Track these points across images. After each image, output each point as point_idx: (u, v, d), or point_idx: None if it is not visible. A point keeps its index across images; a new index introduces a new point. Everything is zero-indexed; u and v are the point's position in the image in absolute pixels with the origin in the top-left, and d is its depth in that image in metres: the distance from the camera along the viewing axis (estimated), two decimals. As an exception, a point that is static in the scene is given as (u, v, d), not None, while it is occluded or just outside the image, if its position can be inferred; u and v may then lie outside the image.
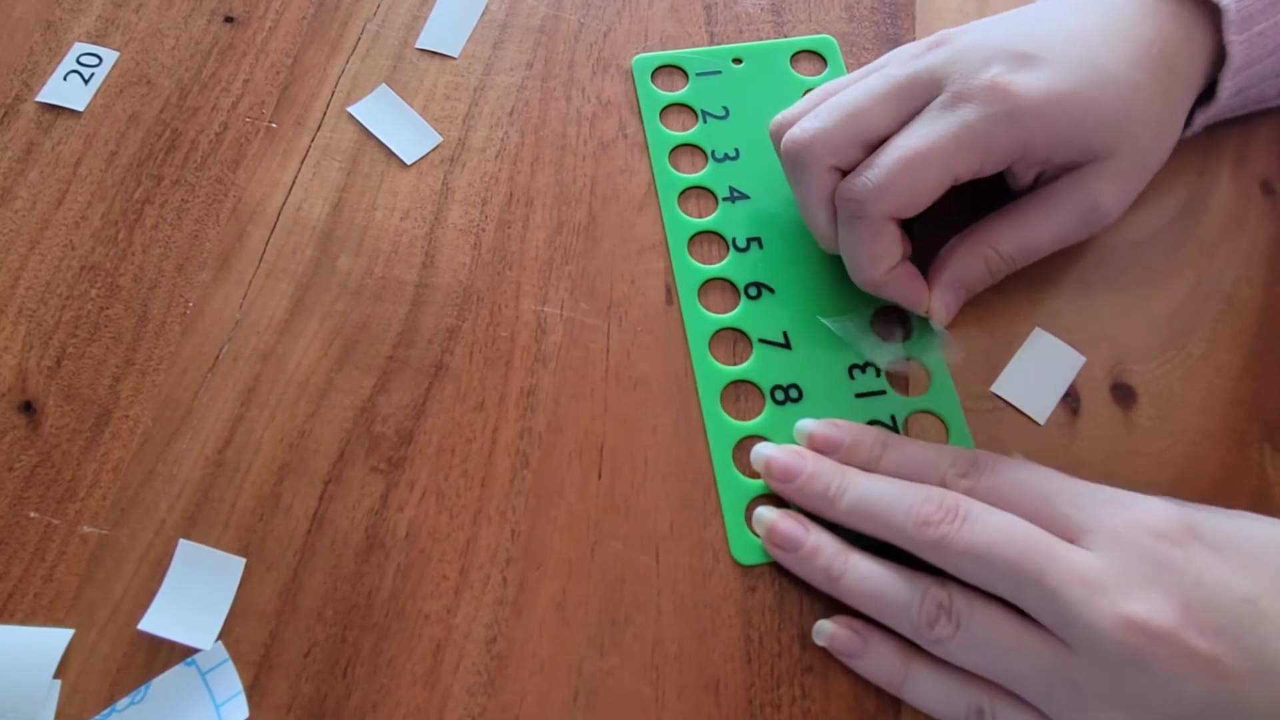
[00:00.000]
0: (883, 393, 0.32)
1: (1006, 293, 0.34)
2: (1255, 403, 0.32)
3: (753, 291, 0.34)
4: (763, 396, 0.32)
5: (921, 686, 0.27)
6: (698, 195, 0.37)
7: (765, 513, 0.30)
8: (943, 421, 0.32)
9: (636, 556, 0.30)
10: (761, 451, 0.31)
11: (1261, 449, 0.31)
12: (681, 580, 0.30)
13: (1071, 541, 0.25)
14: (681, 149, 0.37)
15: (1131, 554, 0.24)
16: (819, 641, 0.28)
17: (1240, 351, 0.33)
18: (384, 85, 0.39)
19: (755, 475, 0.31)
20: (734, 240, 0.35)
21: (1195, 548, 0.24)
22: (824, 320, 0.33)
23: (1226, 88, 0.33)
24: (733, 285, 0.34)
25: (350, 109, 0.38)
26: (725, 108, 0.38)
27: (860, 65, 0.36)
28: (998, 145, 0.30)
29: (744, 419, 0.32)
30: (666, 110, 0.38)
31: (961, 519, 0.26)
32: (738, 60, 0.39)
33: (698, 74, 0.39)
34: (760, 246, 0.35)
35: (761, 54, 0.39)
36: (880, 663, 0.27)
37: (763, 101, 0.38)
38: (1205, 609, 0.23)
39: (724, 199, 0.36)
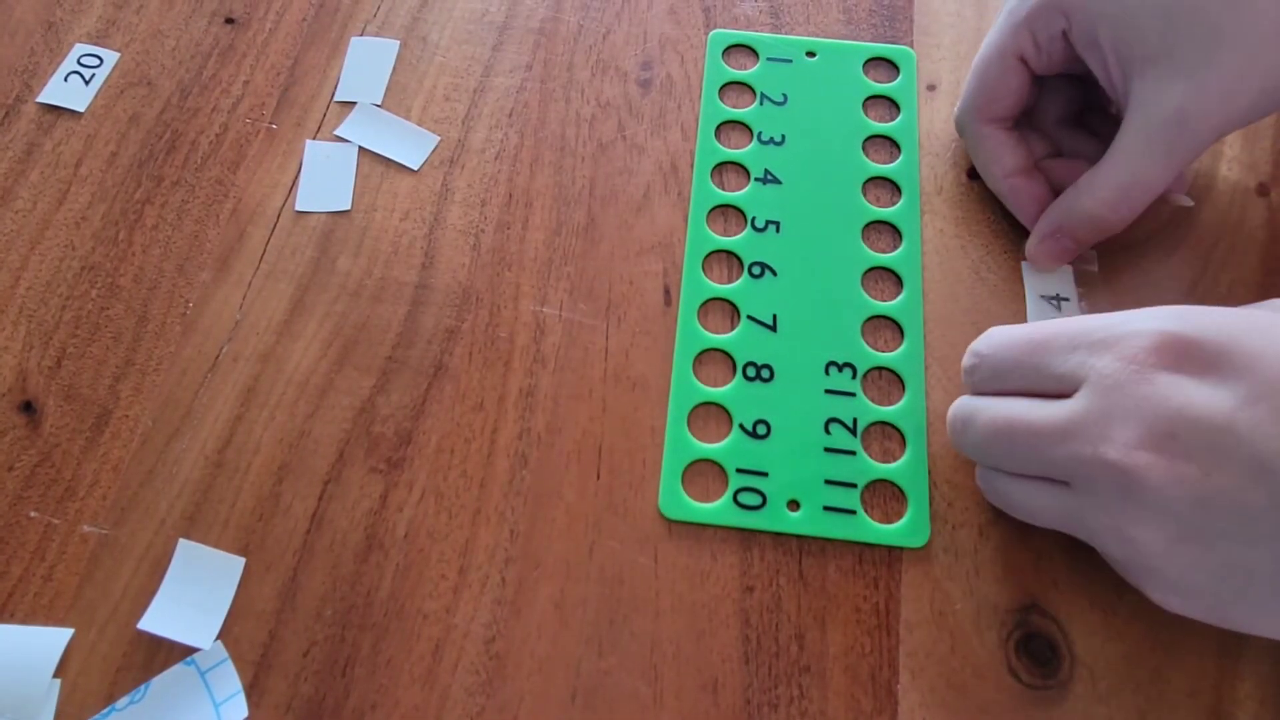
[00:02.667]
0: (852, 395, 0.32)
1: (1003, 294, 0.34)
2: (1251, 404, 0.32)
3: (756, 270, 0.35)
4: (735, 369, 0.33)
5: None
6: (733, 170, 0.37)
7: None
8: (903, 435, 0.32)
9: (635, 556, 0.30)
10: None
11: (1257, 450, 0.31)
12: (679, 580, 0.30)
13: (1067, 394, 0.25)
14: (730, 125, 0.38)
15: (1111, 392, 0.24)
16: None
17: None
18: (364, 102, 0.39)
19: (703, 439, 0.32)
20: (754, 219, 0.36)
21: (1177, 368, 0.23)
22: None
23: None
24: (739, 260, 0.35)
25: (338, 130, 0.38)
26: (785, 95, 0.39)
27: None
28: (1038, 14, 0.30)
29: (710, 385, 0.33)
30: (727, 86, 0.39)
31: (960, 423, 0.28)
32: (811, 53, 0.40)
33: (769, 58, 0.39)
34: (777, 231, 0.36)
35: (836, 52, 0.40)
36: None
37: (824, 96, 0.38)
38: (1182, 432, 0.23)
39: (757, 179, 0.37)
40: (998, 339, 0.28)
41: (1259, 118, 0.29)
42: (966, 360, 0.29)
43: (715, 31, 0.40)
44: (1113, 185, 0.30)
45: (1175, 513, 0.23)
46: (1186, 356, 0.23)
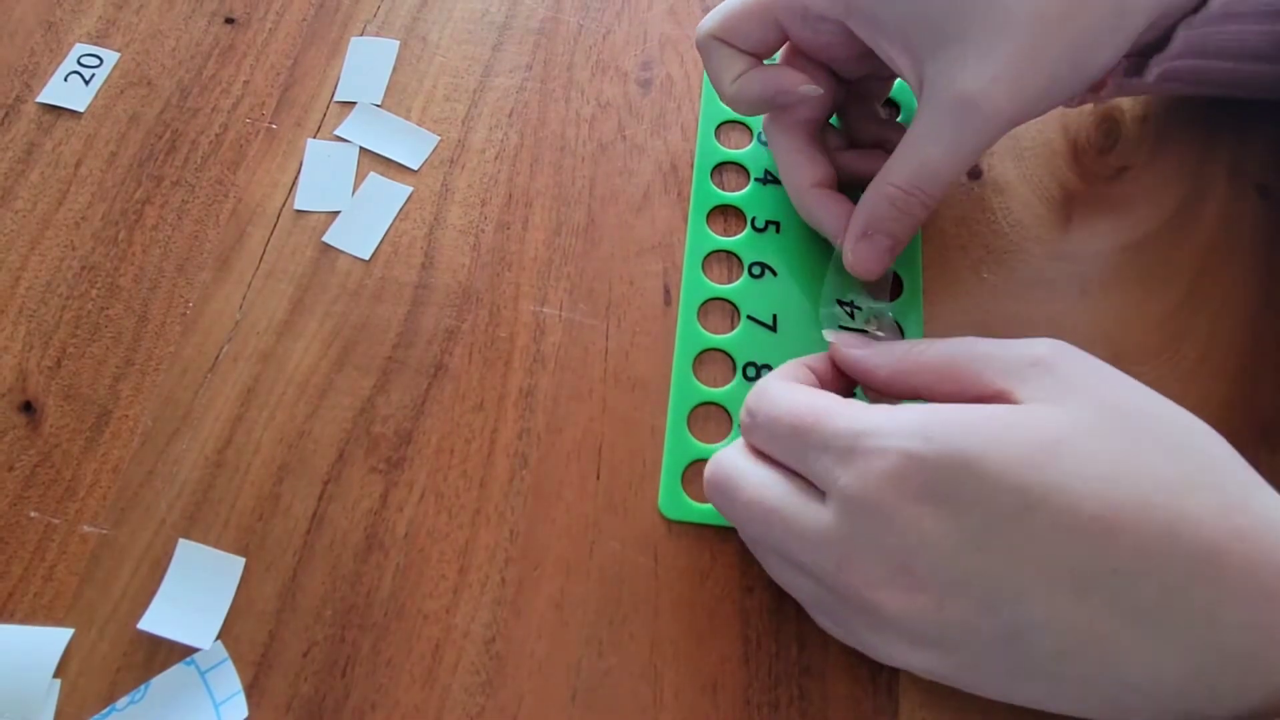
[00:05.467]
0: (853, 395, 0.32)
1: (1003, 294, 0.34)
2: (1251, 405, 0.32)
3: (756, 270, 0.35)
4: (735, 369, 0.33)
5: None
6: (733, 171, 0.37)
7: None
8: None
9: (635, 557, 0.30)
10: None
11: (1257, 451, 0.31)
12: (679, 581, 0.30)
13: (823, 492, 0.25)
14: (730, 125, 0.38)
15: (854, 516, 0.23)
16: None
17: (1236, 354, 0.33)
18: (364, 102, 0.39)
19: (703, 439, 0.32)
20: (754, 219, 0.36)
21: (915, 498, 0.23)
22: (823, 310, 0.33)
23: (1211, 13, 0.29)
24: (739, 260, 0.35)
25: (338, 130, 0.38)
26: None
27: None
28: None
29: (711, 385, 0.33)
30: None
31: (722, 492, 0.27)
32: None
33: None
34: (778, 231, 0.36)
35: None
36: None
37: None
38: (918, 567, 0.23)
39: (757, 179, 0.37)
40: (769, 408, 0.26)
41: (1050, 107, 0.29)
42: (743, 416, 0.28)
43: None
44: (906, 171, 0.29)
45: (915, 631, 0.24)
46: (924, 484, 0.23)
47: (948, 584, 0.23)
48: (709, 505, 0.30)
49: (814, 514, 0.25)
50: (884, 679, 0.28)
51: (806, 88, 0.32)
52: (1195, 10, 0.30)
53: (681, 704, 0.28)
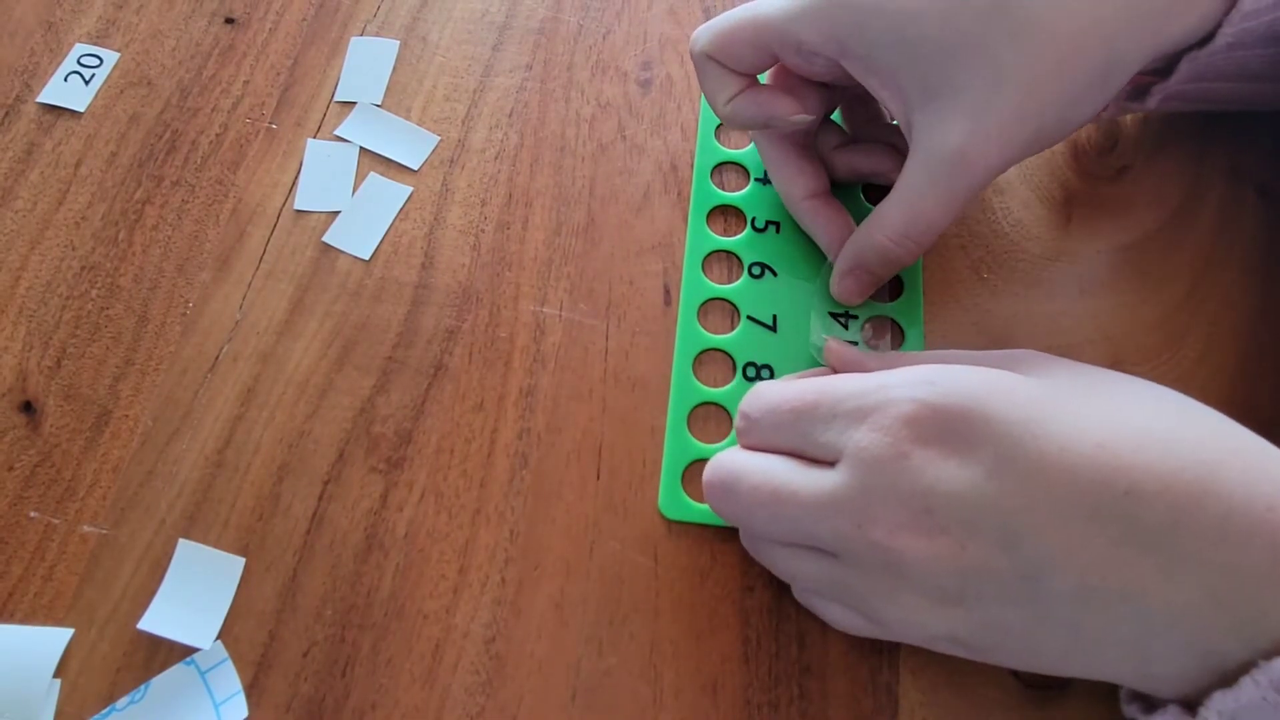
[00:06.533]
0: None
1: (1003, 294, 0.34)
2: (1251, 405, 0.32)
3: (756, 270, 0.35)
4: (735, 369, 0.33)
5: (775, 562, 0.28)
6: (733, 171, 0.37)
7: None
8: None
9: (635, 557, 0.30)
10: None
11: (1257, 450, 0.31)
12: (679, 580, 0.30)
13: (830, 461, 0.25)
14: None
15: (870, 468, 0.24)
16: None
17: (1236, 354, 0.33)
18: (364, 102, 0.39)
19: (703, 439, 0.32)
20: (754, 219, 0.36)
21: (928, 442, 0.24)
22: (812, 319, 0.33)
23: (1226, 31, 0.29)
24: (739, 261, 0.35)
25: (338, 130, 0.38)
26: None
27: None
28: (810, 30, 0.29)
29: (711, 386, 0.33)
30: None
31: (724, 487, 0.27)
32: None
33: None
34: (778, 231, 0.36)
35: None
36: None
37: None
38: (937, 508, 0.23)
39: (757, 179, 0.37)
40: (766, 400, 0.27)
41: (1033, 154, 0.30)
42: (739, 421, 0.28)
43: None
44: (898, 221, 0.30)
45: (937, 583, 0.24)
46: (936, 429, 0.23)
47: (967, 523, 0.23)
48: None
49: (825, 479, 0.25)
50: (884, 678, 0.28)
51: (799, 117, 0.32)
52: (1200, 44, 0.30)
53: (681, 704, 0.28)
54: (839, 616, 0.27)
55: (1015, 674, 0.28)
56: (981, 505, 0.23)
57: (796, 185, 0.34)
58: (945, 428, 0.23)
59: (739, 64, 0.32)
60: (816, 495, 0.25)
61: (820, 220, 0.34)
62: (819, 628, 0.29)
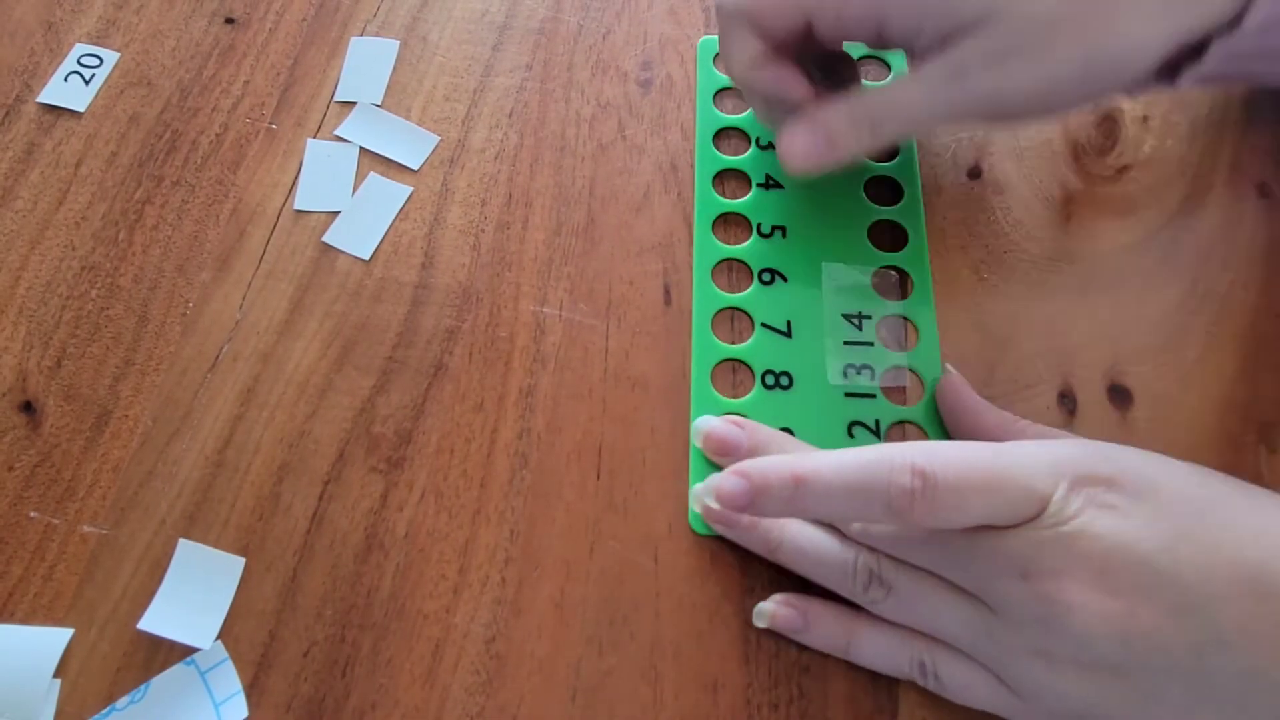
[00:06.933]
0: (873, 396, 0.32)
1: (1003, 294, 0.34)
2: (1251, 405, 0.32)
3: (766, 277, 0.35)
4: (754, 378, 0.33)
5: (865, 647, 0.28)
6: (734, 177, 0.37)
7: (702, 489, 0.29)
8: (925, 434, 0.32)
9: (635, 557, 0.30)
10: (701, 426, 0.31)
11: (1257, 450, 0.31)
12: (680, 581, 0.30)
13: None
14: (728, 131, 0.38)
15: (1056, 535, 0.24)
16: (759, 624, 0.29)
17: (1236, 354, 0.33)
18: (364, 102, 0.39)
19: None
20: (759, 225, 0.36)
21: (1119, 509, 0.24)
22: (830, 380, 0.33)
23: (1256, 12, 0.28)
24: (748, 268, 0.35)
25: (338, 130, 0.38)
26: None
27: (871, 72, 0.36)
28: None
29: (730, 396, 0.32)
30: (721, 93, 0.39)
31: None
32: None
33: None
34: (784, 236, 0.35)
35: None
36: (824, 633, 0.28)
37: None
38: (1117, 568, 0.23)
39: (759, 184, 0.37)
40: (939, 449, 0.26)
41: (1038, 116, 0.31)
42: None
43: (704, 38, 0.40)
44: (887, 99, 0.30)
45: (1097, 647, 0.23)
46: (1117, 494, 0.24)
47: (1143, 589, 0.23)
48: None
49: (1001, 538, 0.25)
50: (884, 678, 0.28)
51: (805, 100, 0.32)
52: (1229, 26, 0.29)
53: (682, 704, 0.28)
54: (962, 677, 0.26)
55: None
56: (1160, 571, 0.23)
57: (740, 58, 0.32)
58: (1128, 493, 0.24)
59: (771, 24, 0.31)
60: (985, 535, 0.24)
61: (778, 78, 0.32)
62: (819, 628, 0.29)
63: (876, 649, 0.28)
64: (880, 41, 0.31)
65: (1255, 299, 0.34)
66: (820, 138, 0.31)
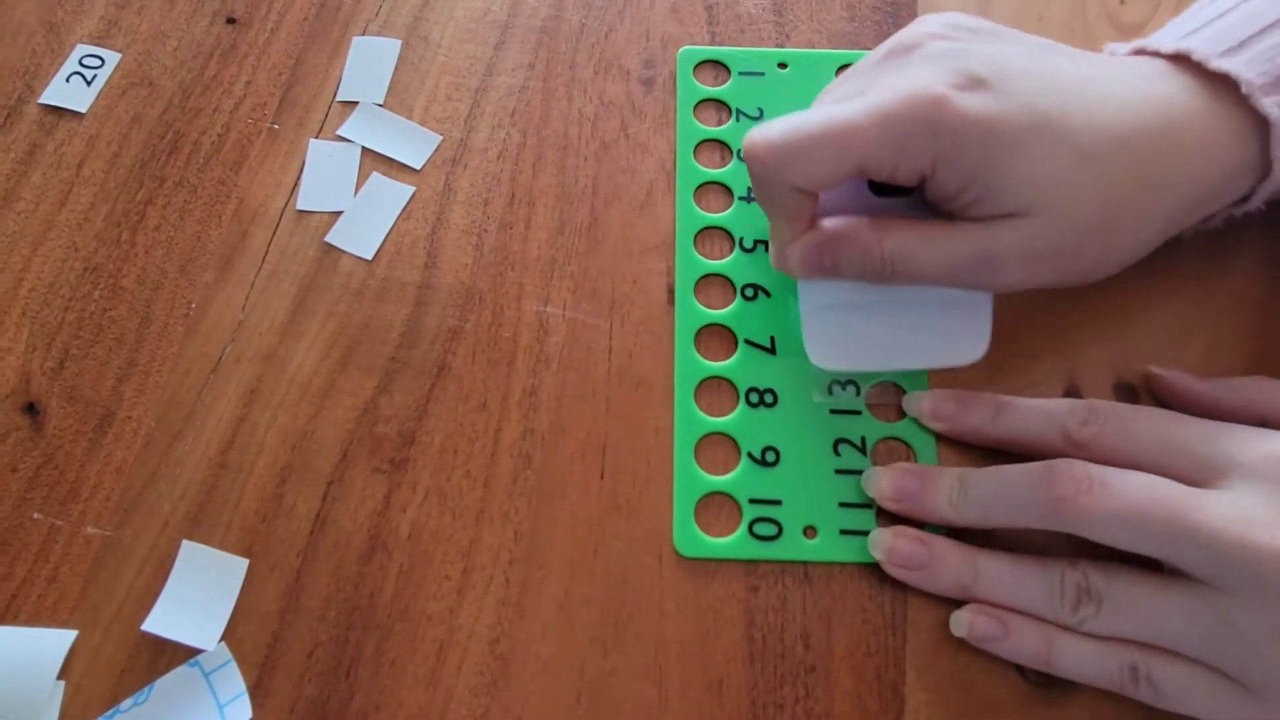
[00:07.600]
0: (858, 412, 0.32)
1: (1002, 298, 0.34)
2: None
3: (749, 292, 0.34)
4: (737, 396, 0.32)
5: (1067, 655, 0.27)
6: (715, 190, 0.37)
7: (881, 536, 0.29)
8: (912, 450, 0.32)
9: (639, 557, 0.30)
10: (872, 476, 0.30)
11: (1264, 448, 0.31)
12: (684, 581, 0.30)
13: (1207, 483, 0.25)
14: (708, 143, 0.38)
15: (1274, 485, 0.23)
16: (957, 632, 0.28)
17: (1242, 350, 0.33)
18: (366, 102, 0.39)
19: (712, 471, 0.31)
20: (741, 240, 0.35)
21: None
22: (815, 399, 0.32)
23: (1259, 196, 0.30)
24: (731, 283, 0.34)
25: (340, 130, 0.38)
26: (760, 109, 0.38)
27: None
28: (913, 151, 0.27)
29: (715, 415, 0.32)
30: (702, 103, 0.38)
31: (1097, 486, 0.25)
32: (783, 65, 0.39)
33: (740, 73, 0.39)
34: (766, 250, 0.35)
35: (807, 61, 0.39)
36: (1023, 642, 0.27)
37: (800, 108, 0.37)
38: None
39: (740, 198, 0.36)
40: (1126, 410, 0.27)
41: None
42: (1074, 419, 0.28)
43: (684, 49, 0.39)
44: (905, 251, 0.29)
45: None
46: None
47: None
48: (727, 539, 0.30)
49: (1218, 495, 0.24)
50: (890, 677, 0.28)
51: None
52: (1235, 204, 0.31)
53: (687, 704, 0.28)
54: (1181, 679, 0.25)
55: (1021, 673, 0.28)
56: None
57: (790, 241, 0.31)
58: None
59: (819, 183, 0.29)
60: (1220, 512, 0.23)
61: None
62: (824, 627, 0.29)
63: (1081, 657, 0.26)
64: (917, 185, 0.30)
65: (1262, 295, 0.34)
66: (828, 260, 0.30)
